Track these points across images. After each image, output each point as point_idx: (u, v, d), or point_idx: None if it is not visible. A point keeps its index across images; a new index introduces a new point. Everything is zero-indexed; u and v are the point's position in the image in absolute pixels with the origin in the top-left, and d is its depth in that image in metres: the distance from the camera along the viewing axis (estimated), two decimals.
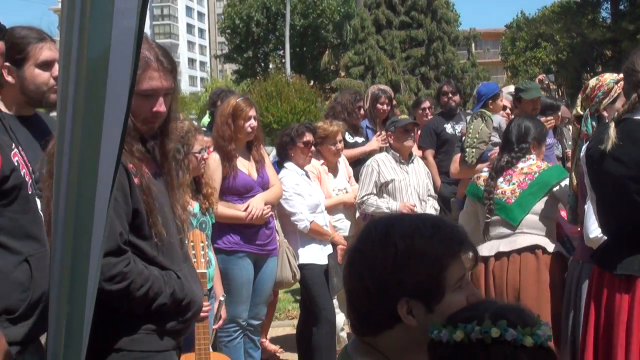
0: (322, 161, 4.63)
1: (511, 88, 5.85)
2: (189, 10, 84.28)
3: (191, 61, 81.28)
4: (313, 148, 4.31)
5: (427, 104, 6.34)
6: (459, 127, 5.69)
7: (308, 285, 4.13)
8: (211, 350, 3.30)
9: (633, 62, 2.48)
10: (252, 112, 3.82)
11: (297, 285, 4.36)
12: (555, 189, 3.44)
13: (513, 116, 5.21)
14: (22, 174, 1.89)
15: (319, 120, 5.32)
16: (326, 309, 4.09)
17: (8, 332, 1.78)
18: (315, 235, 4.16)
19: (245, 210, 3.74)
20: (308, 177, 4.31)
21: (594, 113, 3.05)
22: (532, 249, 3.39)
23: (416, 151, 5.00)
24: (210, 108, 5.07)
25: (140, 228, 1.87)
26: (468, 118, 5.29)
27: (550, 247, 3.39)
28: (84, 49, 1.09)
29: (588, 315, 2.63)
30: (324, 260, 4.15)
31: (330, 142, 4.58)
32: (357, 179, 4.75)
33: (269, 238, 3.88)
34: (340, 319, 4.47)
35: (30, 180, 1.92)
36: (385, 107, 5.56)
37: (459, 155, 4.83)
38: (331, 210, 4.48)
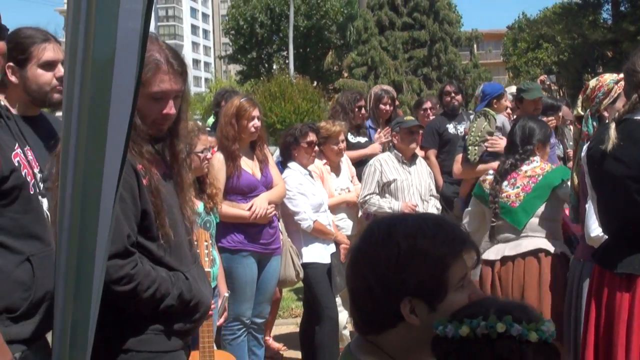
0: (324, 161, 4.66)
1: (513, 89, 5.87)
2: (193, 11, 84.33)
3: (195, 62, 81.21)
4: (316, 148, 4.34)
5: (428, 104, 6.36)
6: (461, 127, 5.70)
7: (311, 283, 4.15)
8: (215, 347, 3.32)
9: (634, 63, 2.49)
10: (256, 112, 3.84)
11: (300, 284, 4.37)
12: (558, 191, 3.44)
13: (515, 116, 5.25)
14: (24, 174, 1.88)
15: (322, 121, 5.35)
16: (329, 308, 4.11)
17: (9, 330, 1.78)
18: (318, 234, 4.18)
19: (249, 209, 3.76)
20: (311, 176, 4.33)
21: (595, 113, 3.06)
22: (536, 252, 3.41)
23: (418, 151, 5.02)
24: (214, 108, 5.09)
25: (148, 229, 1.87)
26: (471, 117, 5.31)
27: (555, 249, 3.40)
28: (89, 50, 1.09)
29: (589, 313, 2.64)
30: (327, 259, 4.17)
31: (332, 142, 4.61)
32: (360, 179, 4.77)
33: (272, 237, 3.90)
34: (343, 317, 4.49)
35: (33, 181, 1.92)
36: (387, 107, 5.58)
37: (461, 155, 4.85)
38: (333, 209, 4.50)
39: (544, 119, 4.98)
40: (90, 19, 1.09)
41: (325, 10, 36.89)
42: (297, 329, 4.65)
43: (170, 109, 1.91)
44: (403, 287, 1.27)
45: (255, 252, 3.83)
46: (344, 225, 4.60)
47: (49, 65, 2.25)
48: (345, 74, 29.90)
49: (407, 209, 4.40)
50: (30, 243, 1.86)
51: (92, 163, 1.13)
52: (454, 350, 1.18)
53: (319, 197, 4.25)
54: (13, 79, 2.15)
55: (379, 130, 5.41)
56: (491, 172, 3.75)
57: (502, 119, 4.81)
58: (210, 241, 3.37)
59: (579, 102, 3.26)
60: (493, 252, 3.51)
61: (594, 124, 3.03)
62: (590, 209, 2.75)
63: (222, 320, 3.51)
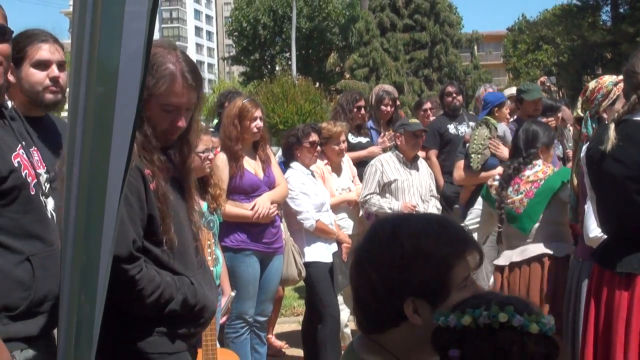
0: (325, 161, 4.68)
1: (513, 90, 5.90)
2: (197, 13, 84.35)
3: (199, 63, 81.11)
4: (319, 148, 4.36)
5: (428, 105, 6.40)
6: (461, 128, 5.74)
7: (313, 282, 4.18)
8: (218, 346, 3.34)
9: (633, 64, 2.51)
10: (258, 113, 3.87)
11: (302, 283, 4.38)
12: (560, 194, 3.45)
13: (516, 116, 5.28)
14: (24, 175, 1.87)
15: (324, 121, 5.38)
16: (331, 306, 4.14)
17: (8, 329, 1.78)
18: (320, 233, 4.21)
19: (252, 209, 3.79)
20: (313, 176, 4.36)
21: (594, 115, 3.06)
22: (540, 257, 3.43)
23: (419, 151, 5.05)
24: (217, 110, 5.12)
25: (154, 233, 1.87)
26: (472, 123, 5.34)
27: (560, 252, 3.41)
28: (94, 52, 1.11)
29: (588, 312, 2.65)
30: (329, 258, 4.20)
31: (334, 142, 4.63)
32: (361, 179, 4.80)
33: (275, 236, 3.92)
34: (344, 315, 4.51)
35: (35, 181, 1.91)
36: (388, 108, 5.60)
37: (462, 161, 4.87)
38: (334, 209, 4.51)
39: (544, 119, 5.02)
40: (95, 21, 1.11)
41: (327, 12, 36.99)
42: (299, 327, 4.67)
43: (181, 121, 1.91)
44: (406, 287, 1.28)
45: (257, 251, 3.86)
46: (345, 225, 4.62)
47: (42, 65, 2.25)
48: (347, 75, 29.97)
49: (407, 209, 4.43)
50: (31, 243, 1.85)
51: (97, 164, 1.14)
52: (455, 341, 1.18)
53: (321, 196, 4.27)
54: (11, 78, 2.14)
55: (382, 134, 5.42)
56: (497, 177, 3.77)
57: (503, 128, 4.86)
58: (213, 240, 3.39)
59: (579, 104, 3.27)
60: (503, 258, 3.56)
61: (594, 125, 3.04)
62: (589, 209, 2.76)
63: (224, 319, 3.53)
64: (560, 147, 5.38)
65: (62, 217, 1.24)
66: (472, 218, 3.91)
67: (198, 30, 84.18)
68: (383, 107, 5.59)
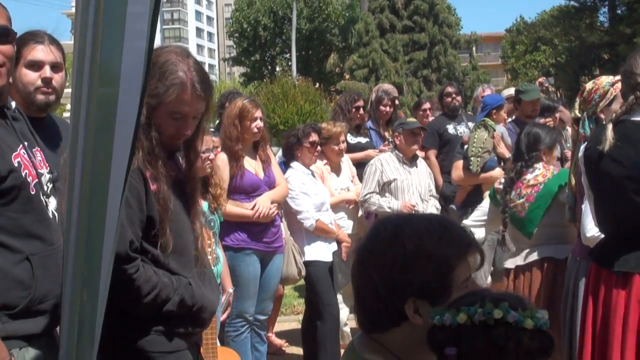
0: (324, 161, 4.70)
1: (512, 90, 5.93)
2: (198, 14, 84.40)
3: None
4: (319, 148, 4.38)
5: (427, 105, 6.44)
6: (460, 128, 5.77)
7: (313, 281, 4.20)
8: (219, 344, 3.35)
9: (631, 65, 2.52)
10: (258, 113, 3.88)
11: (302, 282, 4.40)
12: (560, 196, 3.46)
13: (514, 117, 5.31)
14: (24, 175, 1.87)
15: (324, 122, 5.40)
16: (330, 305, 4.16)
17: (7, 327, 1.79)
18: (320, 233, 4.23)
19: (253, 208, 3.80)
20: (314, 176, 4.38)
21: (592, 115, 3.07)
22: (541, 261, 3.47)
23: (419, 151, 5.07)
24: (218, 110, 5.14)
25: (154, 235, 1.88)
26: (471, 125, 5.37)
27: (561, 254, 3.43)
28: (97, 53, 1.12)
29: (586, 311, 2.66)
30: (328, 258, 4.21)
31: (333, 142, 4.66)
32: (360, 179, 4.82)
33: (275, 236, 3.93)
34: (344, 314, 4.53)
35: (35, 181, 1.91)
36: (387, 109, 5.62)
37: (460, 162, 4.90)
38: (333, 208, 4.52)
39: (541, 120, 5.06)
40: (97, 22, 1.11)
41: (327, 13, 37.05)
42: (299, 326, 4.69)
43: (187, 129, 1.94)
44: (408, 288, 1.29)
45: (258, 250, 3.87)
46: (344, 225, 4.64)
47: (35, 66, 2.25)
48: (347, 76, 30.03)
49: (406, 208, 4.45)
50: (31, 242, 1.85)
51: (99, 164, 1.15)
52: (451, 339, 1.18)
53: (321, 196, 4.29)
54: (10, 79, 2.11)
55: (385, 143, 5.44)
56: (502, 179, 3.80)
57: (501, 130, 4.89)
58: (214, 240, 3.41)
59: (576, 105, 3.28)
60: (510, 262, 3.61)
61: (591, 125, 3.04)
62: (587, 209, 2.77)
63: (224, 316, 3.55)
64: (559, 147, 5.41)
65: (64, 217, 1.24)
66: (478, 216, 3.93)
67: (199, 31, 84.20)
68: (382, 108, 5.61)
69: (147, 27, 1.10)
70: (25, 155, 1.91)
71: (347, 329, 4.66)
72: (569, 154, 4.79)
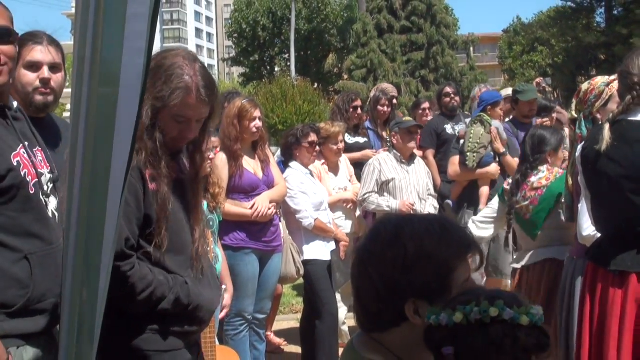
0: (322, 161, 4.71)
1: (509, 91, 5.95)
2: (197, 15, 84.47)
3: None
4: (317, 148, 4.40)
5: (426, 105, 6.45)
6: (458, 128, 5.78)
7: (312, 280, 4.20)
8: (217, 342, 3.35)
9: (627, 65, 2.53)
10: (257, 113, 3.89)
11: (301, 281, 4.41)
12: (562, 199, 3.44)
13: (511, 117, 5.33)
14: (23, 174, 1.87)
15: (322, 122, 5.42)
16: (329, 304, 4.16)
17: (5, 325, 1.79)
18: (319, 232, 4.24)
19: (251, 208, 3.81)
20: (312, 176, 4.39)
21: (588, 116, 3.08)
22: (543, 263, 3.49)
23: (417, 151, 5.09)
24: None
25: (151, 233, 1.88)
26: (467, 121, 5.39)
27: (562, 256, 3.41)
28: (97, 53, 1.13)
29: (583, 309, 2.67)
30: (327, 257, 4.22)
31: (332, 142, 4.67)
32: (359, 179, 4.83)
33: (274, 235, 3.94)
34: (342, 312, 4.55)
35: (35, 180, 1.91)
36: (385, 109, 5.64)
37: (457, 157, 4.91)
38: (331, 208, 4.53)
39: (538, 120, 5.08)
40: (98, 23, 1.12)
41: (325, 14, 37.08)
42: (298, 325, 4.70)
43: (190, 132, 1.95)
44: (408, 288, 1.29)
45: (257, 249, 3.88)
46: (342, 224, 4.65)
47: (33, 67, 2.26)
48: (345, 76, 30.09)
49: (405, 207, 4.47)
50: (29, 242, 1.85)
51: (99, 164, 1.16)
52: (448, 338, 1.19)
53: (319, 195, 4.30)
54: (11, 80, 2.12)
55: (384, 148, 5.45)
56: (510, 179, 3.81)
57: (497, 125, 4.90)
58: (213, 239, 3.41)
59: (573, 106, 3.29)
60: (517, 262, 3.64)
61: (588, 126, 3.05)
62: (583, 208, 2.79)
63: (223, 314, 3.55)
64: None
65: (64, 217, 1.24)
66: (489, 213, 3.94)
67: (198, 31, 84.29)
68: (380, 108, 5.63)
69: (147, 27, 1.11)
70: (25, 155, 1.91)
71: (345, 328, 4.67)
72: (566, 154, 4.80)
